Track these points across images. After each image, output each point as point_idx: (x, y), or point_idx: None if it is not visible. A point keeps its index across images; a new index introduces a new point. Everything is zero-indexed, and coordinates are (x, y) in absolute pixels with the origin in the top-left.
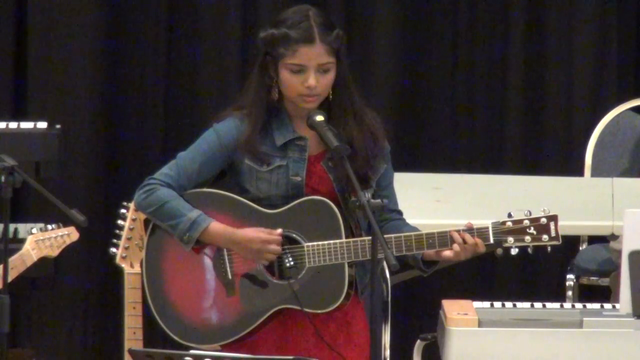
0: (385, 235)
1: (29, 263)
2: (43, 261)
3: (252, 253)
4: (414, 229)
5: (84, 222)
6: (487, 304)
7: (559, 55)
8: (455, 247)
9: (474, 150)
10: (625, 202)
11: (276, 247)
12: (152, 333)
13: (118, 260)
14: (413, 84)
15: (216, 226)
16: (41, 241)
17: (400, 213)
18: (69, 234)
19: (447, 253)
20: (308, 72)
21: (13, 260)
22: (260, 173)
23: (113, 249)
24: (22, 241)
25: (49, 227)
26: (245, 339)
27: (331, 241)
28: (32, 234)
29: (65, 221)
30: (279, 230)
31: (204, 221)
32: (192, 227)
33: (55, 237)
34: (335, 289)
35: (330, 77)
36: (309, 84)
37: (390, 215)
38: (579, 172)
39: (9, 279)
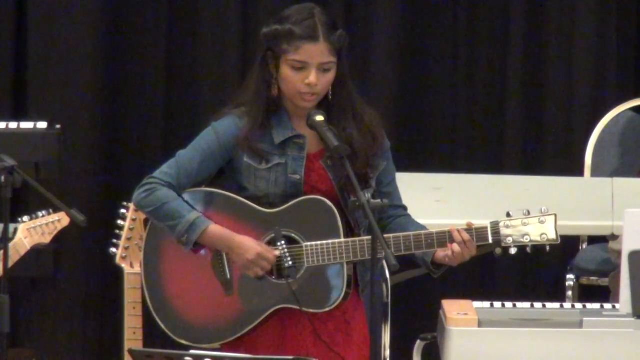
0: (385, 235)
1: (22, 252)
2: (43, 261)
3: (244, 262)
4: (421, 227)
5: (84, 222)
6: (487, 304)
7: (559, 55)
8: (455, 246)
9: (474, 150)
10: (625, 202)
11: (268, 265)
12: (152, 333)
13: (118, 260)
14: (413, 84)
15: (215, 229)
16: (33, 229)
17: (405, 208)
18: (59, 220)
19: (448, 261)
20: (310, 69)
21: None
22: (259, 171)
23: (113, 249)
24: None
25: (39, 214)
26: (244, 338)
27: (330, 241)
28: (23, 222)
29: (54, 208)
30: (276, 252)
31: (203, 223)
32: (191, 229)
33: (47, 224)
34: (333, 288)
35: (330, 76)
36: (309, 81)
37: (396, 212)
38: (579, 172)
39: (3, 269)
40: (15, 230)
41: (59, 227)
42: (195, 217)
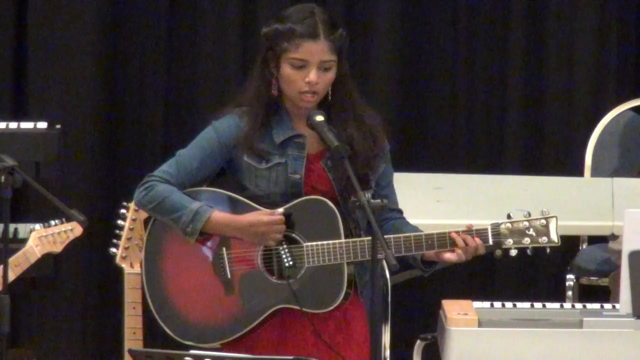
0: (385, 236)
1: (32, 260)
2: (43, 261)
3: (258, 236)
4: (415, 228)
5: (84, 222)
6: (487, 304)
7: (559, 56)
8: (458, 251)
9: (474, 150)
10: (625, 202)
11: (280, 226)
12: (152, 333)
13: (118, 260)
14: (413, 84)
15: (218, 215)
16: (44, 237)
17: (400, 212)
18: (72, 229)
19: (448, 256)
20: (310, 67)
21: (17, 257)
22: (259, 171)
23: (113, 249)
24: (22, 241)
25: (52, 222)
26: (245, 338)
27: (330, 241)
28: (34, 230)
29: (68, 217)
30: (280, 210)
31: (206, 211)
32: (195, 218)
33: (59, 233)
34: (334, 288)
35: (330, 75)
36: (309, 79)
37: (391, 215)
38: (579, 172)
39: (13, 277)
40: (16, 230)
41: (72, 236)
42: (197, 206)
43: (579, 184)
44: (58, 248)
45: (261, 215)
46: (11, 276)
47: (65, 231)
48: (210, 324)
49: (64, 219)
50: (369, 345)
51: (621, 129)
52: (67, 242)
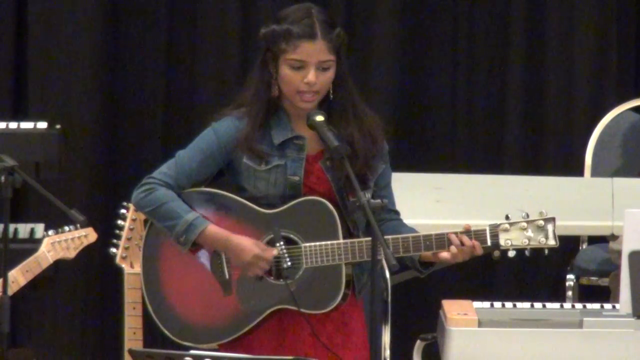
0: (384, 236)
1: (44, 265)
2: None
3: (242, 263)
4: (412, 229)
5: (83, 222)
6: (487, 304)
7: (559, 55)
8: (453, 249)
9: (474, 150)
10: (625, 202)
11: (266, 265)
12: (152, 333)
13: (118, 260)
14: (413, 84)
15: (213, 229)
16: (57, 243)
17: (397, 213)
18: (86, 235)
19: (444, 255)
20: (308, 68)
21: (28, 263)
22: (258, 172)
23: (113, 249)
24: (21, 241)
25: (66, 228)
26: (242, 338)
27: (328, 242)
28: (48, 235)
29: (82, 223)
30: (274, 252)
31: (201, 224)
32: (189, 230)
33: (72, 239)
34: (332, 289)
35: (329, 75)
36: (308, 79)
37: (388, 216)
38: (579, 172)
39: (24, 282)
40: (16, 230)
41: (85, 242)
42: (193, 217)
43: (579, 184)
44: (71, 254)
45: (254, 247)
46: (22, 281)
47: (79, 237)
48: (208, 325)
49: (78, 225)
50: (368, 346)
51: (621, 129)
52: (80, 248)
